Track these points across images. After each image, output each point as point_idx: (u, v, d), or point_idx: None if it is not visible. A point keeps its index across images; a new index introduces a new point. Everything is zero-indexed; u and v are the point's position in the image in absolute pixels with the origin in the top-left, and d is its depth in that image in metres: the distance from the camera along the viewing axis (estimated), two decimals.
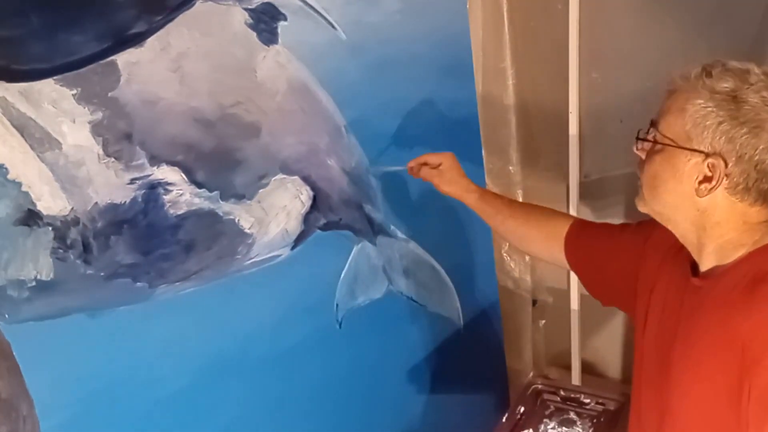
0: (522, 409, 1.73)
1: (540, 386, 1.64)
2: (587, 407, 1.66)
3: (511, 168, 1.90)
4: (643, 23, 1.62)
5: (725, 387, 0.87)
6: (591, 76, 1.72)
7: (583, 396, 1.62)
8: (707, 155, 0.87)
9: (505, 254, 2.00)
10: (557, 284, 2.03)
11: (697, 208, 0.91)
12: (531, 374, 2.06)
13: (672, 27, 1.59)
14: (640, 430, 1.08)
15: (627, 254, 1.12)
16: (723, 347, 0.88)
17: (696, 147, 0.87)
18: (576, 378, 2.00)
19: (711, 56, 1.54)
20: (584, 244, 1.21)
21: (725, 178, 0.87)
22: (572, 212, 1.84)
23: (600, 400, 1.60)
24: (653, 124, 0.94)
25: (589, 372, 2.03)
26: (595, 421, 1.65)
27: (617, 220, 1.82)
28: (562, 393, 1.64)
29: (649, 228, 1.11)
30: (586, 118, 1.76)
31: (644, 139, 0.94)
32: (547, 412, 1.72)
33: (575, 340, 1.97)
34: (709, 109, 0.86)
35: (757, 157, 0.85)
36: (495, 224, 1.33)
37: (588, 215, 1.85)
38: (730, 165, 0.86)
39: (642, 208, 0.99)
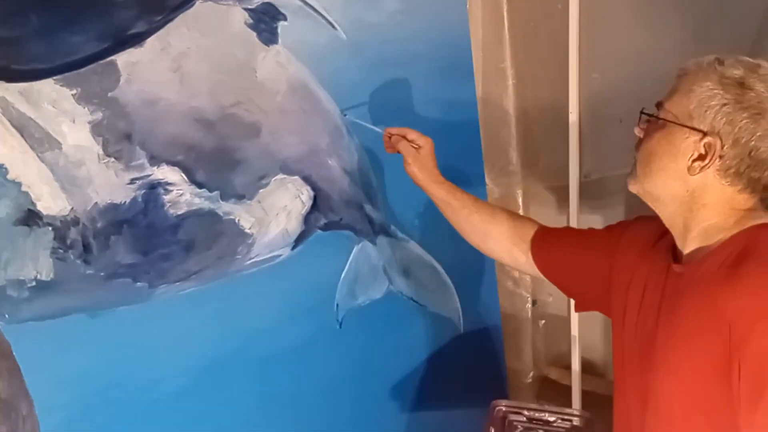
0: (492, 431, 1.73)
1: (504, 408, 1.65)
2: (554, 425, 1.67)
3: (511, 168, 1.90)
4: (643, 23, 1.62)
5: (712, 366, 0.88)
6: (591, 76, 1.72)
7: (547, 414, 1.63)
8: (705, 134, 0.89)
9: None
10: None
11: (686, 188, 0.93)
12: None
13: (672, 27, 1.59)
14: (626, 426, 1.07)
15: (597, 257, 1.13)
16: (709, 326, 0.88)
17: (696, 125, 0.90)
18: (576, 378, 2.00)
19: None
20: (552, 249, 1.21)
21: (719, 159, 0.89)
22: (572, 212, 1.84)
23: (565, 417, 1.62)
24: (659, 104, 0.96)
25: (589, 372, 2.03)
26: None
27: (617, 220, 1.82)
28: (526, 413, 1.65)
29: (619, 228, 1.14)
30: (586, 118, 1.76)
31: (648, 114, 0.97)
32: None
33: (575, 340, 1.97)
34: (716, 91, 0.89)
35: (752, 143, 0.88)
36: (459, 219, 1.29)
37: (588, 215, 1.85)
38: (725, 146, 0.88)
39: (632, 187, 1.01)
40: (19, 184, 0.86)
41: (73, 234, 0.92)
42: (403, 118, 1.46)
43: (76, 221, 0.92)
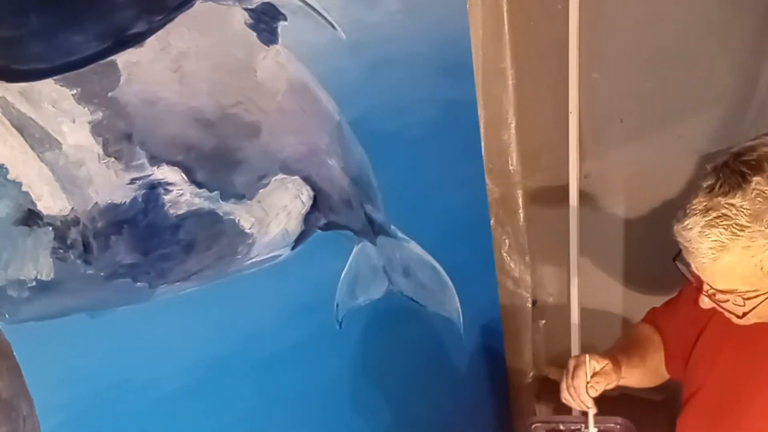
0: None
1: (540, 425, 1.64)
2: None
3: (511, 168, 1.90)
4: (643, 23, 1.62)
5: None
6: (591, 76, 1.72)
7: (583, 426, 1.63)
8: None
9: (505, 254, 2.00)
10: (557, 284, 2.03)
11: None
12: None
13: (672, 27, 1.59)
14: None
15: (690, 321, 1.09)
16: None
17: None
18: None
19: (711, 57, 1.54)
20: (676, 351, 1.16)
21: None
22: (572, 212, 1.84)
23: (604, 428, 1.62)
24: (726, 291, 0.85)
25: None
26: None
27: (617, 220, 1.82)
28: (562, 427, 1.64)
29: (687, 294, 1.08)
30: (586, 118, 1.76)
31: (746, 314, 0.87)
32: None
33: (575, 340, 1.97)
34: None
35: None
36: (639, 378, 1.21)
37: (588, 215, 1.85)
38: None
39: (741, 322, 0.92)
40: (19, 184, 0.86)
41: (73, 234, 0.92)
42: (403, 118, 1.46)
43: (76, 221, 0.92)
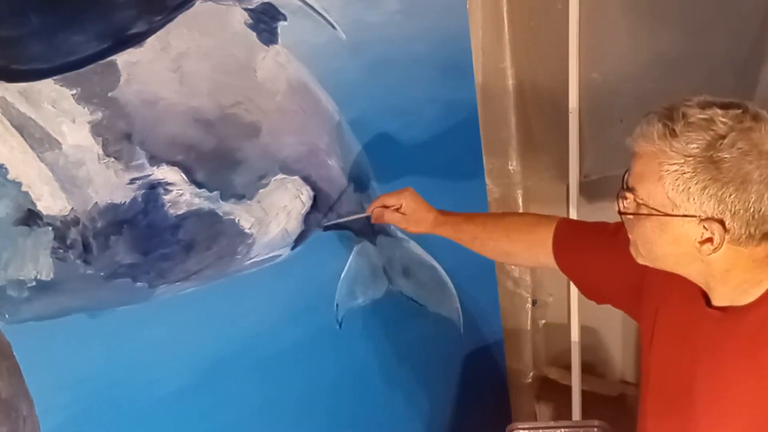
0: None
1: (521, 431, 1.64)
2: None
3: (511, 168, 1.90)
4: (643, 23, 1.62)
5: (754, 422, 0.87)
6: (591, 76, 1.72)
7: (564, 430, 1.63)
8: (701, 219, 0.84)
9: None
10: (557, 284, 2.03)
11: (701, 260, 0.88)
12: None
13: (672, 27, 1.59)
14: None
15: (627, 267, 1.05)
16: (756, 386, 0.87)
17: (685, 212, 0.84)
18: (576, 378, 2.00)
19: (711, 57, 1.54)
20: (575, 246, 1.16)
21: (726, 235, 0.83)
22: (572, 212, 1.84)
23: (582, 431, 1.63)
24: (629, 188, 0.89)
25: (589, 372, 2.03)
26: None
27: (617, 220, 1.82)
28: None
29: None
30: (586, 118, 1.76)
31: (626, 213, 0.90)
32: None
33: (575, 340, 1.97)
34: (688, 175, 0.82)
35: (752, 209, 0.82)
36: (475, 248, 1.26)
37: (588, 215, 1.84)
38: (727, 223, 0.83)
39: (640, 261, 0.95)
40: (19, 184, 0.86)
41: (73, 234, 0.92)
42: (403, 118, 1.46)
43: (76, 221, 0.92)
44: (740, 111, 0.82)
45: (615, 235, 1.10)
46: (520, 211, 1.93)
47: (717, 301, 0.92)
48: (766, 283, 0.88)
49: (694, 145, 0.81)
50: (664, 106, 0.85)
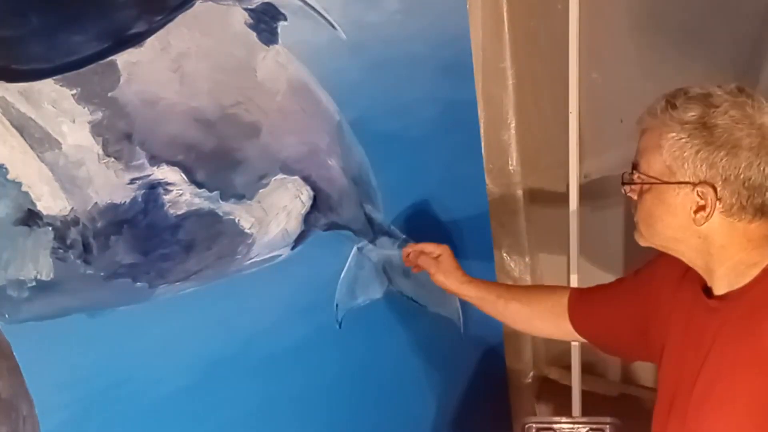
0: None
1: (534, 425, 1.65)
2: None
3: (511, 168, 1.90)
4: (643, 23, 1.63)
5: (754, 400, 0.87)
6: (591, 76, 1.72)
7: (579, 426, 1.64)
8: (694, 185, 0.88)
9: (505, 254, 2.00)
10: (557, 284, 2.03)
11: (698, 236, 0.92)
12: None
13: (672, 27, 1.59)
14: None
15: (631, 308, 1.11)
16: (752, 361, 0.88)
17: (681, 179, 0.89)
18: (576, 378, 2.00)
19: (711, 57, 1.55)
20: (588, 309, 1.20)
21: (718, 203, 0.88)
22: (572, 212, 1.84)
23: (596, 426, 1.63)
24: (634, 166, 0.95)
25: (589, 372, 2.03)
26: None
27: (617, 220, 1.82)
28: (556, 427, 1.65)
29: (650, 269, 1.11)
30: (586, 118, 1.76)
31: (630, 183, 0.96)
32: None
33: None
34: (684, 140, 0.87)
35: (742, 176, 0.86)
36: (499, 310, 1.30)
37: (588, 215, 1.85)
38: (719, 189, 0.87)
39: (643, 243, 0.99)
40: (19, 184, 0.86)
41: (73, 234, 0.92)
42: (403, 118, 1.46)
43: (76, 221, 0.92)
44: (737, 90, 0.88)
45: (621, 281, 1.17)
46: (521, 212, 1.93)
47: (717, 289, 0.94)
48: (760, 266, 0.90)
49: (691, 113, 0.87)
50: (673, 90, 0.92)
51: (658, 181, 0.91)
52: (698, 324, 0.97)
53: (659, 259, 1.08)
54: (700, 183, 0.87)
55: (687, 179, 0.88)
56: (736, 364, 0.90)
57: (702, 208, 0.89)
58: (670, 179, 0.90)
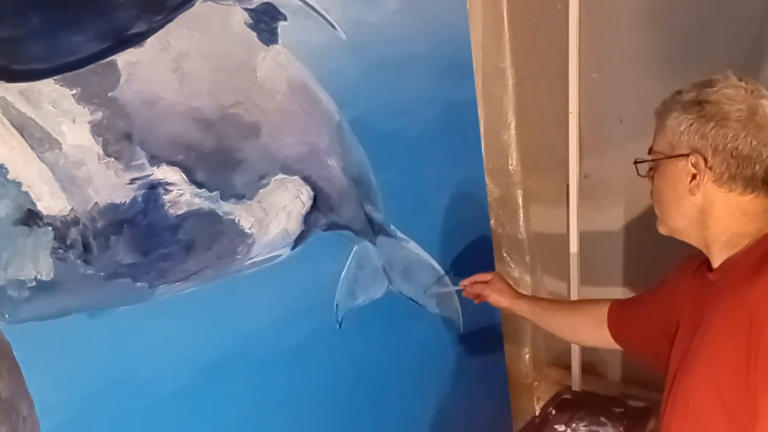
0: (553, 411, 1.81)
1: (569, 396, 1.71)
2: (616, 410, 1.75)
3: (511, 168, 1.90)
4: (643, 23, 1.63)
5: (732, 360, 0.90)
6: (591, 76, 1.72)
7: (612, 405, 1.70)
8: (687, 155, 0.96)
9: (505, 254, 2.00)
10: (557, 284, 2.03)
11: (695, 208, 0.98)
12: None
13: (672, 27, 1.59)
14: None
15: (660, 314, 1.15)
16: (733, 324, 0.91)
17: (678, 152, 0.97)
18: (576, 378, 2.00)
19: (711, 56, 1.55)
20: (623, 319, 1.27)
21: (708, 171, 0.95)
22: (572, 212, 1.84)
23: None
24: (650, 150, 1.03)
25: (588, 372, 2.03)
26: (624, 421, 1.72)
27: (617, 220, 1.82)
28: (591, 401, 1.73)
29: (674, 274, 1.16)
30: (586, 118, 1.76)
31: (639, 161, 1.04)
32: (577, 416, 1.79)
33: None
34: (682, 117, 0.96)
35: (729, 145, 0.93)
36: (548, 321, 1.41)
37: (588, 215, 1.85)
38: (709, 158, 0.94)
39: (662, 231, 1.05)
40: (19, 184, 0.86)
41: (73, 234, 0.92)
42: (404, 118, 1.46)
43: (76, 221, 0.92)
44: (738, 78, 0.96)
45: (651, 290, 1.23)
46: (521, 211, 1.94)
47: (715, 262, 1.00)
48: (752, 237, 0.96)
49: (691, 94, 0.97)
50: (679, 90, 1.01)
51: (660, 156, 1.00)
52: (701, 301, 1.02)
53: (681, 263, 1.14)
54: (692, 153, 0.95)
55: (682, 151, 0.96)
56: (719, 332, 0.94)
57: (695, 176, 0.96)
58: (670, 153, 0.98)
